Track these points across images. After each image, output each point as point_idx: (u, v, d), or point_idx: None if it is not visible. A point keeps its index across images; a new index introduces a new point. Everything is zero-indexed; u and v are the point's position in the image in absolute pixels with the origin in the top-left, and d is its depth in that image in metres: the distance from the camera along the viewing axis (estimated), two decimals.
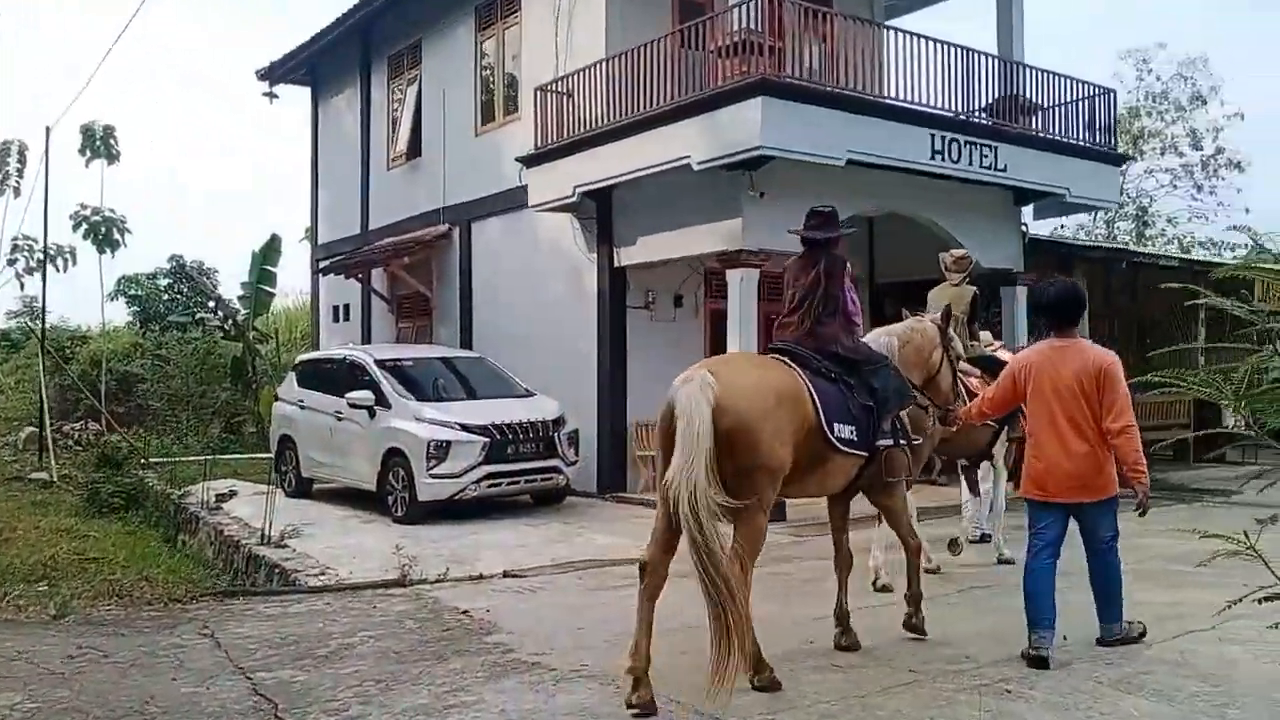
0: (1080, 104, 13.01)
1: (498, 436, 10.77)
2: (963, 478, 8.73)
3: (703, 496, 4.35)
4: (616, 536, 9.69)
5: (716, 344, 12.81)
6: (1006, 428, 7.97)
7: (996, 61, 12.33)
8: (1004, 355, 8.26)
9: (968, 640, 5.82)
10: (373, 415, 11.29)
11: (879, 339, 6.00)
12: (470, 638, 6.16)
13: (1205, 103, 28.99)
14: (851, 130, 10.53)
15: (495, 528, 10.35)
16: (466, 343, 15.03)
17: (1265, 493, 4.19)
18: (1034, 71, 12.59)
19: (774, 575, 7.70)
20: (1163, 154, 29.89)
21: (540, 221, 13.49)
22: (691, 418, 4.47)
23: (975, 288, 8.74)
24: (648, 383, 12.48)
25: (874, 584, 7.09)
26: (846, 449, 5.06)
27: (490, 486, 10.81)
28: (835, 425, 4.97)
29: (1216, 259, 21.58)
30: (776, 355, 5.26)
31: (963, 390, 6.94)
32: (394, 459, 10.89)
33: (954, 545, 8.01)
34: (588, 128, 11.87)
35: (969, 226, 12.78)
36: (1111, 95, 13.46)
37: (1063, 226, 25.00)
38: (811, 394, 4.95)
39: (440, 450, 10.54)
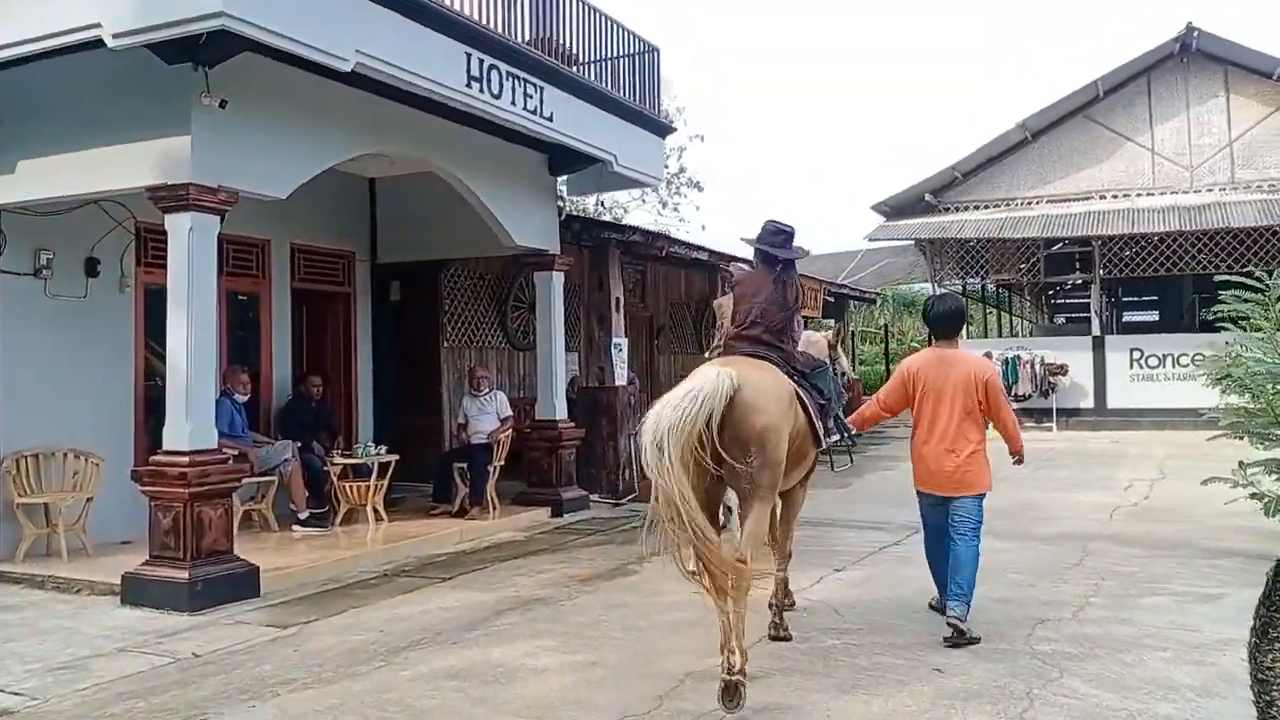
0: (623, 61, 11.05)
1: None
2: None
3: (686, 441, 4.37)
4: None
5: (153, 332, 8.74)
6: None
7: None
8: None
9: None
10: None
11: None
12: None
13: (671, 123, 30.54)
14: (362, 21, 7.26)
15: None
16: None
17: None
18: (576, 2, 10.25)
19: None
20: None
21: None
22: (709, 392, 4.47)
23: None
24: (38, 388, 8.13)
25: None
26: (824, 439, 5.41)
27: None
28: (815, 420, 5.22)
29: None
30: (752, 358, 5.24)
31: None
32: None
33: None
34: None
35: (506, 194, 10.22)
36: (656, 54, 11.63)
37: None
38: (799, 393, 5.12)
39: None
